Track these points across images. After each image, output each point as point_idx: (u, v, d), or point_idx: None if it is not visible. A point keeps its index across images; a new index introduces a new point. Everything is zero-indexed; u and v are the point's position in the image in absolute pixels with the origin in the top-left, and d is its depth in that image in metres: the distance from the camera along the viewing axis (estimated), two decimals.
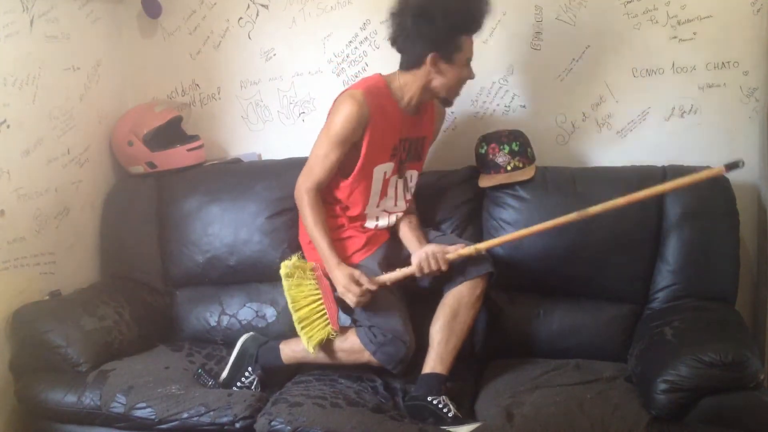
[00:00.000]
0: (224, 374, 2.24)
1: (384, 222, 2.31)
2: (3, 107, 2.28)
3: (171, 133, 2.70)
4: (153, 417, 2.05)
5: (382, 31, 2.63)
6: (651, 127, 2.52)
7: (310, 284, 2.16)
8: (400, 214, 2.33)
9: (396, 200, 2.31)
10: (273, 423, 1.93)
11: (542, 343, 2.31)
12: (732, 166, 1.95)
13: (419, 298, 2.23)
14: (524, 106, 2.61)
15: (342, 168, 2.19)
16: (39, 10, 2.41)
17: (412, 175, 2.34)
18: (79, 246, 2.63)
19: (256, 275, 2.54)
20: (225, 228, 2.57)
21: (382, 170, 2.22)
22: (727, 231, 2.25)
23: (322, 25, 2.71)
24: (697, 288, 2.23)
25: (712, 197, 2.27)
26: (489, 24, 2.54)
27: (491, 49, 2.58)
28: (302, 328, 2.11)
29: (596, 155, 2.57)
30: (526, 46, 2.56)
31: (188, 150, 2.69)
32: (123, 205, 2.70)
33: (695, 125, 2.49)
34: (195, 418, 2.02)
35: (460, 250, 2.13)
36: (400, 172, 2.28)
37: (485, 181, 2.43)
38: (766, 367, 2.17)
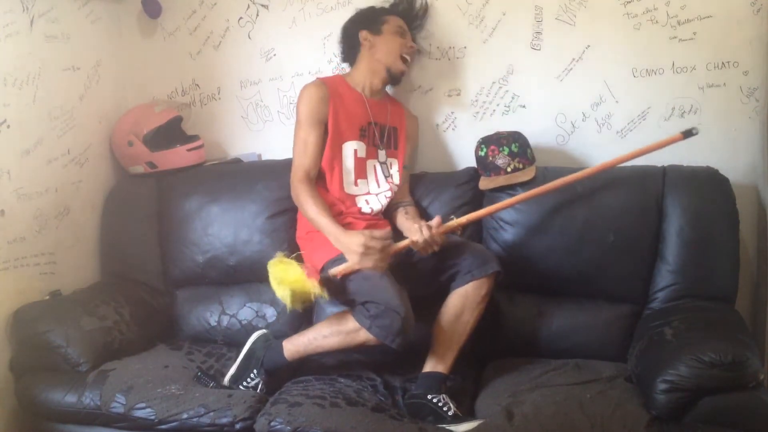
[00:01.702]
0: (232, 371, 2.22)
1: (376, 204, 2.35)
2: (3, 107, 2.28)
3: (171, 133, 2.70)
4: (153, 417, 2.05)
5: None
6: (651, 127, 2.52)
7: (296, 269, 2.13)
8: (387, 194, 2.37)
9: (378, 183, 2.38)
10: (272, 423, 1.93)
11: (542, 343, 2.31)
12: (687, 133, 2.08)
13: (423, 302, 2.21)
14: (524, 106, 2.61)
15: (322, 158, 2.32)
16: (39, 10, 2.41)
17: (392, 163, 2.42)
18: (79, 246, 2.63)
19: (256, 275, 2.53)
20: (225, 228, 2.57)
21: (352, 147, 2.34)
22: (727, 231, 2.25)
23: (322, 25, 2.71)
24: (697, 288, 2.23)
25: (712, 197, 2.27)
26: (489, 24, 2.56)
27: (491, 49, 2.58)
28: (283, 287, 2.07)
29: (596, 155, 2.56)
30: (526, 46, 2.56)
31: (188, 150, 2.69)
32: (123, 205, 2.70)
33: (695, 125, 2.48)
34: (195, 419, 2.01)
35: (450, 223, 2.15)
36: (378, 156, 2.37)
37: (486, 184, 2.42)
38: (766, 367, 2.17)
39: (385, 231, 2.12)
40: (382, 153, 2.40)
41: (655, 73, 2.49)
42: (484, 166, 2.44)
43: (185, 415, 2.02)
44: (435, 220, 2.14)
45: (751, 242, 2.45)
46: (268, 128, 2.84)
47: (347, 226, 2.25)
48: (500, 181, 2.39)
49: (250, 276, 2.56)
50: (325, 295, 2.07)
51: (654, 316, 2.20)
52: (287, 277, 2.07)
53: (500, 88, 2.61)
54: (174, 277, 2.63)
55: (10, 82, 2.30)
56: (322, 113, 2.33)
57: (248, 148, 2.86)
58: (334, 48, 2.70)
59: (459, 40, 2.60)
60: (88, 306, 2.35)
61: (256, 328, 2.48)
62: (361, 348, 2.07)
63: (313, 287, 2.05)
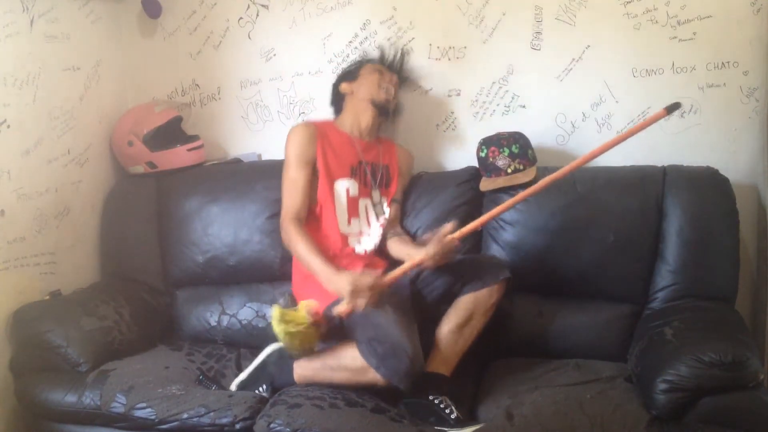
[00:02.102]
0: (242, 377, 2.19)
1: (369, 243, 2.32)
2: (3, 107, 2.27)
3: (171, 133, 2.70)
4: (153, 417, 2.05)
5: (383, 31, 2.66)
6: (651, 127, 2.50)
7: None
8: (378, 232, 2.34)
9: (370, 223, 2.35)
10: (272, 425, 1.92)
11: (542, 343, 2.31)
12: (672, 108, 2.03)
13: (428, 307, 2.22)
14: (524, 106, 2.61)
15: (312, 198, 2.32)
16: (39, 10, 2.41)
17: (384, 202, 2.40)
18: (79, 246, 2.63)
19: (256, 275, 2.55)
20: (225, 228, 2.57)
21: (344, 186, 2.34)
22: (727, 231, 2.25)
23: (322, 25, 2.71)
24: (697, 288, 2.23)
25: (712, 197, 2.27)
26: (489, 24, 2.56)
27: (491, 49, 2.58)
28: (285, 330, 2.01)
29: None
30: (526, 46, 2.56)
31: (188, 150, 2.69)
32: (123, 205, 2.70)
33: (695, 125, 2.49)
34: (195, 419, 2.01)
35: (462, 228, 2.11)
36: (372, 197, 2.37)
37: (486, 185, 2.42)
38: (766, 367, 2.17)
39: (374, 271, 2.09)
40: (375, 193, 2.39)
41: (655, 73, 2.49)
42: (485, 167, 2.44)
43: (185, 415, 2.02)
44: (449, 226, 2.10)
45: (751, 242, 2.45)
46: (268, 128, 2.84)
47: (344, 268, 2.20)
48: (500, 182, 2.39)
49: (250, 276, 2.56)
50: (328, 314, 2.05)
51: (654, 316, 2.20)
52: (290, 324, 2.02)
53: (500, 88, 2.61)
54: (174, 277, 2.63)
55: (10, 82, 2.30)
56: (310, 153, 2.34)
57: (248, 148, 2.86)
58: (334, 48, 2.71)
59: (459, 40, 2.60)
60: (88, 306, 2.35)
61: (256, 328, 2.49)
62: (370, 388, 2.01)
63: (315, 334, 2.03)
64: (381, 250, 2.35)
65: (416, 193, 2.51)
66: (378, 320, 1.98)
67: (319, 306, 2.09)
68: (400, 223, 2.46)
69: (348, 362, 2.00)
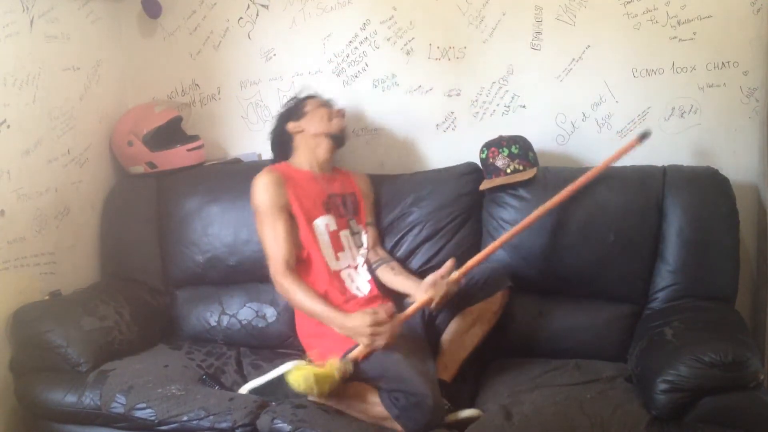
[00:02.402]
0: (256, 383, 2.15)
1: (360, 280, 2.30)
2: (3, 107, 2.27)
3: (171, 133, 2.70)
4: (153, 418, 2.05)
5: (382, 31, 2.66)
6: (651, 127, 2.51)
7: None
8: (363, 266, 2.33)
9: (353, 254, 2.33)
10: (275, 420, 1.93)
11: (542, 343, 2.31)
12: (643, 136, 2.19)
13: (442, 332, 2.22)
14: (524, 106, 2.61)
15: (296, 244, 2.25)
16: (39, 10, 2.41)
17: (361, 231, 2.40)
18: (79, 246, 2.63)
19: (256, 275, 2.53)
20: (225, 228, 2.57)
21: (323, 222, 2.30)
22: (727, 231, 2.25)
23: (322, 25, 2.71)
24: (697, 288, 2.23)
25: (712, 197, 2.27)
26: (489, 24, 2.56)
27: (491, 49, 2.58)
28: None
29: (596, 155, 2.56)
30: (526, 46, 2.56)
31: (188, 150, 2.69)
32: (123, 205, 2.70)
33: (695, 125, 2.49)
34: (195, 422, 2.01)
35: (457, 272, 2.11)
36: (349, 227, 2.36)
37: (485, 184, 2.42)
38: (766, 367, 2.17)
39: (387, 305, 2.08)
40: (352, 222, 2.38)
41: (655, 73, 2.49)
42: (486, 168, 2.44)
43: (185, 417, 2.02)
44: (446, 266, 2.10)
45: (751, 242, 2.45)
46: (268, 128, 2.83)
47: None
48: (497, 181, 2.39)
49: (250, 276, 2.55)
50: (349, 367, 1.98)
51: (654, 316, 2.20)
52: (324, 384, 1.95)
53: (500, 88, 2.61)
54: (174, 277, 2.63)
55: (10, 82, 2.30)
56: (283, 198, 2.27)
57: (248, 148, 2.86)
58: (334, 48, 2.71)
59: (459, 40, 2.60)
60: (88, 306, 2.35)
61: (255, 328, 2.49)
62: None
63: (334, 367, 1.96)
64: (377, 284, 2.33)
65: (415, 189, 2.51)
66: (399, 370, 1.95)
67: (335, 355, 2.03)
68: (381, 246, 2.45)
69: (369, 408, 1.97)
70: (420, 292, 2.11)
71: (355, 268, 2.32)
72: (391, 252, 2.45)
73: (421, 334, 2.20)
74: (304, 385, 1.91)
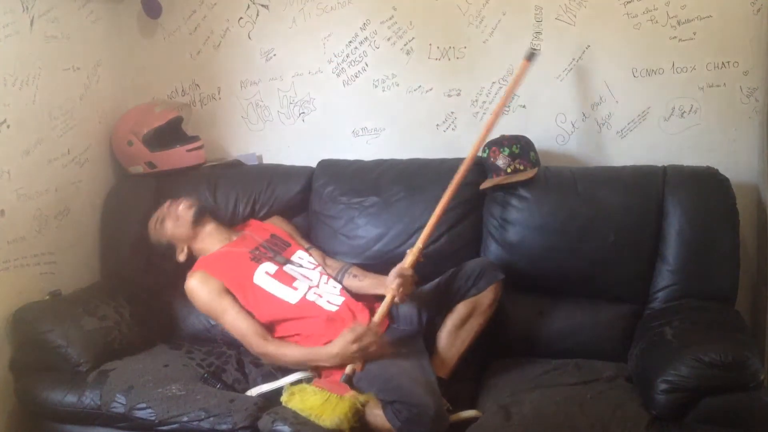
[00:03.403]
0: (263, 389, 2.15)
1: (329, 293, 2.29)
2: (3, 107, 2.27)
3: (171, 134, 2.69)
4: (153, 418, 2.05)
5: (382, 31, 2.66)
6: (651, 127, 2.52)
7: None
8: (326, 282, 2.33)
9: (307, 275, 2.34)
10: (276, 423, 1.92)
11: (542, 343, 2.31)
12: (530, 55, 2.31)
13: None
14: (524, 106, 2.61)
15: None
16: (39, 10, 2.41)
17: (303, 255, 2.42)
18: (79, 246, 2.63)
19: None
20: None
21: (262, 271, 2.30)
22: (727, 231, 2.25)
23: (322, 25, 2.71)
24: (697, 288, 2.23)
25: (712, 197, 2.27)
26: (489, 24, 2.56)
27: (491, 49, 2.58)
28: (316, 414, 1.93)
29: (596, 155, 2.57)
30: (526, 46, 2.56)
31: (188, 150, 2.69)
32: (123, 205, 2.70)
33: (695, 125, 2.49)
34: (195, 423, 2.01)
35: (409, 257, 2.15)
36: (288, 261, 2.36)
37: (485, 184, 2.42)
38: (766, 367, 2.17)
39: (360, 318, 2.13)
40: (288, 253, 2.39)
41: (655, 73, 2.49)
42: (487, 167, 2.44)
43: (185, 418, 2.02)
44: (403, 263, 2.15)
45: (751, 242, 2.45)
46: (268, 128, 2.84)
47: (339, 329, 2.14)
48: (498, 180, 2.39)
49: None
50: (363, 398, 1.96)
51: (654, 316, 2.20)
52: (312, 405, 1.94)
53: (500, 88, 2.61)
54: (174, 277, 2.62)
55: (10, 82, 2.30)
56: (217, 285, 2.27)
57: (248, 149, 2.86)
58: (334, 48, 2.71)
59: (459, 40, 2.60)
60: (88, 306, 2.35)
61: None
62: None
63: (348, 400, 1.94)
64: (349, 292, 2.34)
65: (415, 181, 2.50)
66: (399, 382, 1.96)
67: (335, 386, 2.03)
68: (332, 258, 2.47)
69: (371, 419, 1.95)
70: (387, 288, 2.13)
71: (317, 285, 2.32)
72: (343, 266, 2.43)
73: (419, 342, 2.19)
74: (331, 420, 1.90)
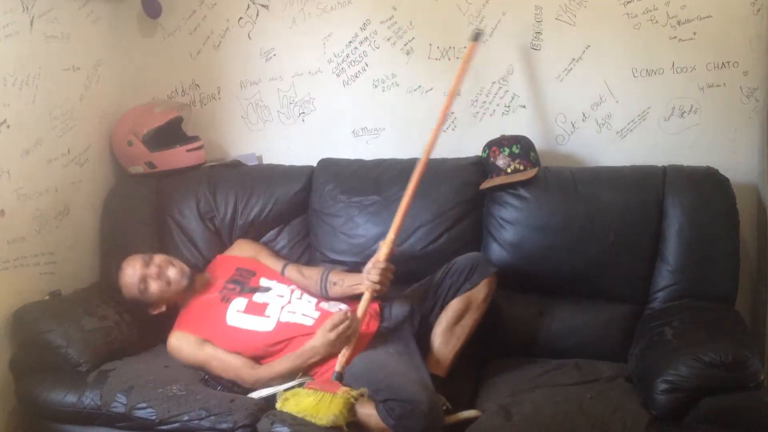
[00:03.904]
0: (268, 392, 2.13)
1: (302, 308, 2.27)
2: (3, 107, 2.27)
3: (171, 134, 2.69)
4: (153, 417, 2.04)
5: (382, 31, 2.66)
6: (651, 127, 2.52)
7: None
8: (299, 298, 2.32)
9: (277, 295, 2.32)
10: (275, 425, 1.92)
11: (542, 343, 2.31)
12: (477, 35, 2.35)
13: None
14: (524, 106, 2.61)
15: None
16: (39, 10, 2.41)
17: (270, 284, 2.37)
18: (79, 246, 2.63)
19: None
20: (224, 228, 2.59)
21: (233, 310, 2.28)
22: (727, 231, 2.25)
23: (322, 25, 2.71)
24: (697, 288, 2.23)
25: (712, 197, 2.27)
26: (489, 24, 2.57)
27: (491, 49, 2.58)
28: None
29: (596, 155, 2.57)
30: (526, 46, 2.56)
31: (187, 150, 2.69)
32: (123, 205, 2.70)
33: (695, 125, 2.49)
34: (195, 422, 2.00)
35: (383, 248, 2.16)
36: (257, 290, 2.33)
37: (485, 184, 2.42)
38: (766, 367, 2.17)
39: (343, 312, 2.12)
40: (255, 283, 2.37)
41: (655, 73, 2.49)
42: (487, 167, 2.44)
43: (186, 417, 2.01)
44: (377, 256, 2.16)
45: (751, 242, 2.45)
46: (268, 128, 2.84)
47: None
48: (498, 180, 2.39)
49: None
50: (356, 393, 1.96)
51: (654, 316, 2.20)
52: (306, 406, 1.95)
53: (500, 88, 2.61)
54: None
55: (10, 82, 2.30)
56: (194, 338, 2.25)
57: (248, 149, 2.86)
58: (334, 48, 2.71)
59: (459, 40, 2.60)
60: (88, 306, 2.34)
61: None
62: None
63: (341, 396, 1.95)
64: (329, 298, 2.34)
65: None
66: (391, 381, 1.95)
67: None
68: (307, 267, 2.45)
69: (365, 419, 1.94)
70: (364, 283, 2.15)
71: (289, 301, 2.30)
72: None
73: (411, 342, 2.17)
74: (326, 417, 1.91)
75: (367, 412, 1.93)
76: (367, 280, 2.14)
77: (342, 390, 1.96)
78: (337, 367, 2.07)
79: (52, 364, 2.21)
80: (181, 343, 2.27)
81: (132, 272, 2.32)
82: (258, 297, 2.32)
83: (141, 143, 2.65)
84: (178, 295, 2.35)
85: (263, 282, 2.39)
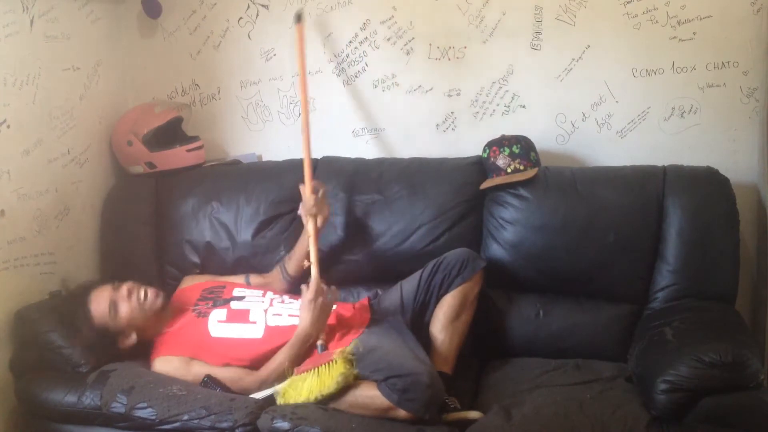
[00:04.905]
0: (267, 393, 2.12)
1: (287, 309, 2.28)
2: (3, 107, 2.27)
3: (171, 134, 2.69)
4: (154, 417, 2.04)
5: (382, 31, 2.66)
6: (651, 127, 2.52)
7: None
8: (280, 301, 2.32)
9: (258, 301, 2.31)
10: (275, 419, 1.93)
11: (542, 343, 2.31)
12: (298, 18, 2.47)
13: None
14: (524, 106, 2.61)
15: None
16: (39, 10, 2.41)
17: (243, 293, 2.36)
18: (79, 246, 2.63)
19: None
20: (222, 228, 2.58)
21: (214, 321, 2.25)
22: (727, 231, 2.25)
23: (322, 25, 2.71)
24: (697, 288, 2.23)
25: (712, 197, 2.27)
26: (489, 24, 2.57)
27: (491, 49, 2.58)
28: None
29: (596, 155, 2.57)
30: (526, 46, 2.56)
31: (187, 150, 2.69)
32: (123, 205, 2.70)
33: (695, 125, 2.49)
34: (195, 421, 2.00)
35: (302, 189, 2.32)
36: (232, 300, 2.32)
37: (485, 184, 2.43)
38: (766, 367, 2.17)
39: (316, 283, 2.17)
40: (226, 300, 2.33)
41: (655, 73, 2.49)
42: (487, 167, 2.44)
43: (186, 416, 2.01)
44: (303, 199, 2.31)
45: (751, 242, 2.45)
46: (268, 128, 2.84)
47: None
48: (498, 180, 2.39)
49: None
50: (348, 348, 2.02)
51: (654, 316, 2.20)
52: (309, 387, 1.99)
53: (500, 88, 2.61)
54: (173, 277, 2.63)
55: (10, 82, 2.30)
56: (179, 359, 2.20)
57: (248, 149, 2.86)
58: (334, 48, 2.71)
59: (459, 40, 2.60)
60: None
61: None
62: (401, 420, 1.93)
63: (336, 359, 1.99)
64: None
65: (416, 179, 2.50)
66: (389, 359, 1.97)
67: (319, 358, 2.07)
68: (268, 273, 2.50)
69: (369, 402, 1.95)
70: (305, 223, 2.29)
71: (271, 304, 2.30)
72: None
73: (405, 328, 2.18)
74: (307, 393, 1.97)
75: (370, 393, 1.94)
76: (303, 217, 2.27)
77: (335, 353, 2.00)
78: (319, 341, 2.12)
79: (53, 364, 2.21)
80: (167, 368, 2.18)
81: (101, 297, 2.23)
82: (236, 305, 2.30)
83: (141, 143, 2.65)
84: (149, 321, 2.25)
85: (236, 292, 2.36)
